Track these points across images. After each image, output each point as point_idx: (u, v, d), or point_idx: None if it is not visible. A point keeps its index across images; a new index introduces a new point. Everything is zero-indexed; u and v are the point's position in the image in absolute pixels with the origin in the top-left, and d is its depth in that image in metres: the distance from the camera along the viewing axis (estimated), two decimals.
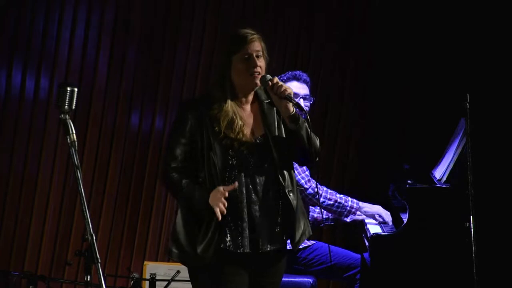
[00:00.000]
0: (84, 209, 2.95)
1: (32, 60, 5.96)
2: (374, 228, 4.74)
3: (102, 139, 6.01)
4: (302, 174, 4.70)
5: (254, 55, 3.49)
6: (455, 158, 4.69)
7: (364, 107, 5.98)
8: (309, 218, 4.77)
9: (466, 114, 4.49)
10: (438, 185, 4.66)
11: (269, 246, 3.47)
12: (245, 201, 3.43)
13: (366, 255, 4.71)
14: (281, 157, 3.48)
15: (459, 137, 4.70)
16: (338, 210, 4.77)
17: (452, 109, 4.94)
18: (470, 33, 5.80)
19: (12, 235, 5.96)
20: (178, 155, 3.46)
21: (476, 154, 4.49)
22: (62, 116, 3.04)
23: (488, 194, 5.26)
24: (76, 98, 3.05)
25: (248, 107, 3.56)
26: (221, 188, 3.37)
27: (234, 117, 3.47)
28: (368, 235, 4.61)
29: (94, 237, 2.94)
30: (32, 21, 5.95)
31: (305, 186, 4.66)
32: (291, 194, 3.48)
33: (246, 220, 3.43)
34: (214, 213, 3.36)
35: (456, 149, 4.69)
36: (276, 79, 3.46)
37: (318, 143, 3.55)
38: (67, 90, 3.04)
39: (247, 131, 3.49)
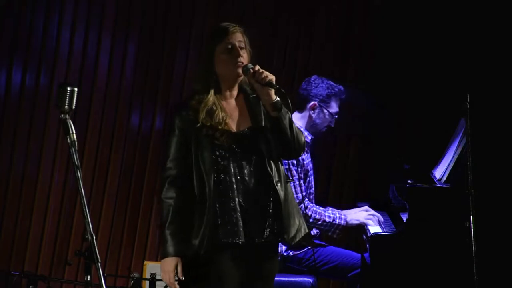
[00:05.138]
0: (84, 209, 2.95)
1: (32, 60, 5.96)
2: (374, 228, 4.74)
3: (102, 139, 6.01)
4: (297, 193, 4.67)
5: (237, 45, 3.51)
6: (455, 158, 4.69)
7: (364, 107, 5.97)
8: None
9: (466, 114, 4.49)
10: (438, 185, 4.66)
11: (262, 237, 3.47)
12: (236, 192, 3.45)
13: (366, 255, 4.71)
14: (269, 148, 3.49)
15: (459, 137, 4.70)
16: (325, 229, 4.76)
17: (452, 109, 4.94)
18: (470, 33, 5.79)
19: (12, 235, 5.96)
20: (172, 153, 3.50)
21: (476, 154, 4.49)
22: (62, 116, 3.05)
23: (488, 194, 5.26)
24: (76, 98, 3.06)
25: (232, 101, 3.57)
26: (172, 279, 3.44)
27: (215, 107, 3.49)
28: (368, 235, 4.61)
29: (94, 237, 2.94)
30: (32, 21, 5.95)
31: None
32: (278, 185, 3.48)
33: (239, 210, 3.44)
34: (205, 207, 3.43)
35: (456, 149, 4.69)
36: (257, 67, 3.46)
37: (302, 137, 3.56)
38: (67, 90, 3.05)
39: (231, 123, 3.51)
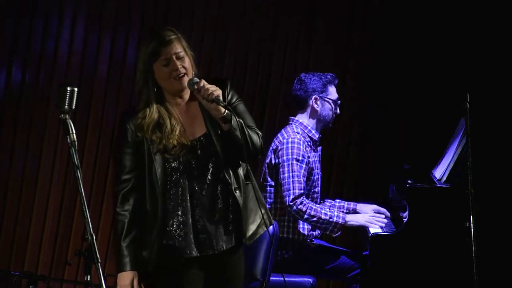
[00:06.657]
0: (84, 209, 2.95)
1: (32, 60, 5.96)
2: (374, 228, 4.74)
3: (102, 139, 6.01)
4: (295, 189, 4.66)
5: (174, 57, 3.37)
6: (455, 158, 4.69)
7: (364, 107, 5.98)
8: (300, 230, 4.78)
9: (466, 114, 4.49)
10: (438, 185, 4.67)
11: (223, 245, 3.42)
12: (189, 204, 3.38)
13: (366, 255, 4.71)
14: (226, 153, 3.40)
15: (459, 137, 4.70)
16: (322, 226, 4.74)
17: (452, 109, 4.94)
18: (470, 33, 5.80)
19: (12, 235, 5.96)
20: (126, 165, 3.44)
21: (476, 154, 4.49)
22: (62, 116, 3.05)
23: (488, 194, 5.26)
24: (76, 98, 3.06)
25: (184, 106, 3.47)
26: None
27: (162, 121, 3.39)
28: (368, 234, 4.61)
29: (94, 237, 2.94)
30: (32, 21, 5.95)
31: (289, 203, 4.64)
32: (237, 192, 3.41)
33: (190, 223, 3.38)
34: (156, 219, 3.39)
35: (456, 149, 4.69)
36: (202, 82, 3.33)
37: (258, 139, 3.45)
38: (67, 90, 3.05)
39: (184, 131, 3.41)
